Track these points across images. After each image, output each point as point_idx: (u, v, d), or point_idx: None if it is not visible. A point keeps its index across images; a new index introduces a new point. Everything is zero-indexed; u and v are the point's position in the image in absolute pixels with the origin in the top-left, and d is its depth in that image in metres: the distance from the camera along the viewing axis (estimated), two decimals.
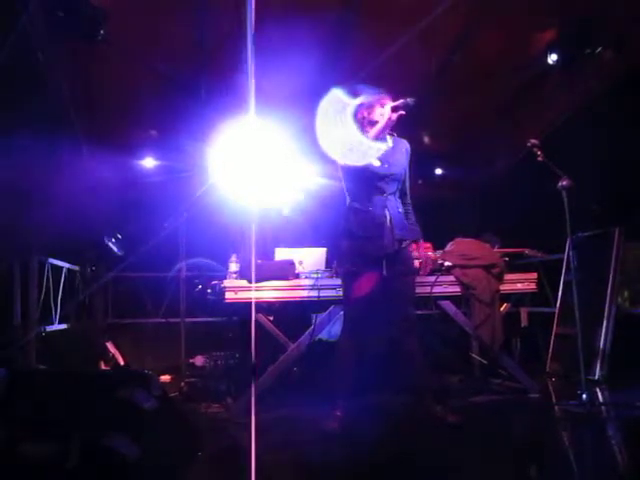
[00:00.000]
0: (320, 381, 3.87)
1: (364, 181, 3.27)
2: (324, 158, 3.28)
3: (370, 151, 3.21)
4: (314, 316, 3.90)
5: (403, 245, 3.29)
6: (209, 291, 4.33)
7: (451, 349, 4.65)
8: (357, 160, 3.20)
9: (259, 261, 3.93)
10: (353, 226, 3.27)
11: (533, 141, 3.67)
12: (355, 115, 3.25)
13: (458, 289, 3.95)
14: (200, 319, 5.71)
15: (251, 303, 3.65)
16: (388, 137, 3.36)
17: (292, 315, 4.38)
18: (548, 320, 5.16)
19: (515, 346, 5.07)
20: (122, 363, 5.20)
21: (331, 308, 3.78)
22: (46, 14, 3.84)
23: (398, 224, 3.27)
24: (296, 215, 5.19)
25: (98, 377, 2.77)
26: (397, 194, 3.35)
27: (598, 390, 4.08)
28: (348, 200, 3.35)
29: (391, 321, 3.35)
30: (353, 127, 3.24)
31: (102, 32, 3.94)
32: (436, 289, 3.90)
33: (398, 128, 3.37)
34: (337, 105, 3.25)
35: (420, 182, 5.86)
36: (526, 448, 2.88)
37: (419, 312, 4.86)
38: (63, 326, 5.08)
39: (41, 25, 3.88)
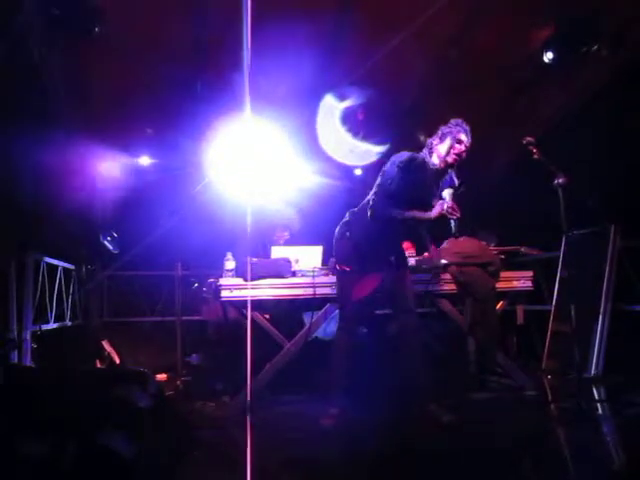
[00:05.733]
0: (316, 379, 3.86)
1: None
2: (322, 156, 3.28)
3: (369, 153, 3.22)
4: (304, 315, 3.90)
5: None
6: (204, 289, 4.32)
7: (447, 347, 4.65)
8: (358, 160, 3.21)
9: (255, 259, 3.92)
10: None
11: (529, 138, 3.66)
12: (344, 119, 3.25)
13: (454, 287, 3.95)
14: (196, 317, 5.70)
15: (246, 301, 3.65)
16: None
17: (288, 313, 4.37)
18: (544, 317, 5.16)
19: (511, 343, 5.08)
20: (118, 362, 5.19)
21: (327, 306, 3.78)
22: (41, 11, 3.83)
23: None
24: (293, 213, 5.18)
25: (94, 376, 2.76)
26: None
27: (594, 387, 4.09)
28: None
29: (393, 319, 3.36)
30: (344, 129, 3.24)
31: (97, 29, 3.94)
32: (432, 287, 3.90)
33: (397, 127, 3.34)
34: (331, 109, 3.26)
35: None
36: (522, 446, 2.88)
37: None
38: (59, 325, 5.06)
39: (37, 23, 3.87)
